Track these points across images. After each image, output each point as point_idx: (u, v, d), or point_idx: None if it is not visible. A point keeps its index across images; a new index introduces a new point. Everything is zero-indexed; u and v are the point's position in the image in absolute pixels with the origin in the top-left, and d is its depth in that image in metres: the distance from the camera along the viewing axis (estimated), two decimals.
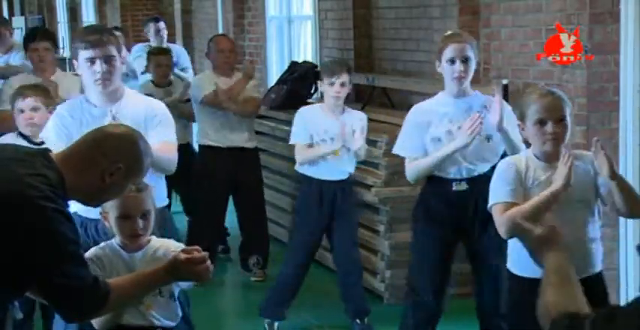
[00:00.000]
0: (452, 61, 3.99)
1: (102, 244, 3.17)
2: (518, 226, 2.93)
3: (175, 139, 3.89)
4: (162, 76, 6.74)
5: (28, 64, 6.05)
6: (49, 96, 4.49)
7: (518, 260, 3.39)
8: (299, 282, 5.06)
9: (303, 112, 5.12)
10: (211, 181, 6.00)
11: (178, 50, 8.37)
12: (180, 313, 3.17)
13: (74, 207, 3.59)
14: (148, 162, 2.63)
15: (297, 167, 5.09)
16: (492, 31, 5.82)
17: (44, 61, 5.65)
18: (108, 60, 3.64)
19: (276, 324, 5.08)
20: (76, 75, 4.90)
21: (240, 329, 5.26)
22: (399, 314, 4.40)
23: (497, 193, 3.30)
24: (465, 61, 3.98)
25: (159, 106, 3.89)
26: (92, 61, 3.62)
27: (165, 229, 3.46)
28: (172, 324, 3.14)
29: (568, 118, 3.29)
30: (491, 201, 3.32)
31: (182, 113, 6.41)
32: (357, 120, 4.99)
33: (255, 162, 6.28)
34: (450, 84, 4.06)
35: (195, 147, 6.53)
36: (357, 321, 5.08)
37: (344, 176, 5.01)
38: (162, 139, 3.74)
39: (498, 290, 4.02)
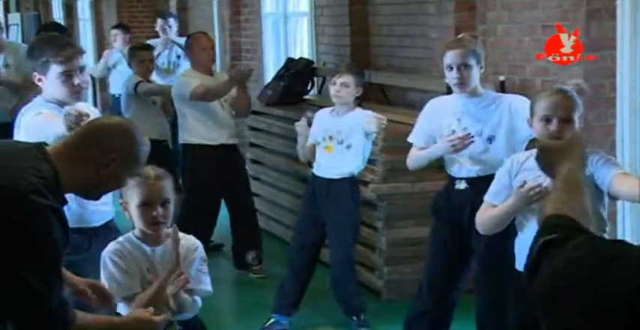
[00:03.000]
0: (450, 68, 4.00)
1: (120, 238, 3.20)
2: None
3: None
4: (145, 72, 6.75)
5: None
6: None
7: (521, 257, 3.40)
8: (303, 280, 5.06)
9: (318, 112, 5.17)
10: (206, 180, 5.97)
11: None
12: (199, 305, 3.20)
13: None
14: (143, 151, 2.59)
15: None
16: (488, 27, 5.83)
17: None
18: (82, 71, 3.70)
19: (271, 320, 5.09)
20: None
21: (239, 326, 5.26)
22: (397, 310, 4.41)
23: (488, 191, 3.44)
24: (462, 67, 3.97)
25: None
26: (69, 74, 3.64)
27: None
28: (190, 316, 3.18)
29: (575, 119, 3.28)
30: (485, 197, 3.42)
31: (166, 109, 6.51)
32: (363, 117, 4.96)
33: (241, 158, 6.33)
34: (454, 88, 4.08)
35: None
36: (354, 318, 5.09)
37: (336, 176, 4.95)
38: None
39: (498, 289, 4.01)
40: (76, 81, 3.64)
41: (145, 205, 3.09)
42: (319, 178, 5.01)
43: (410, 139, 4.26)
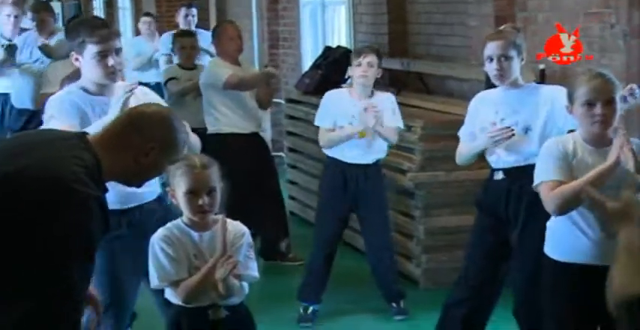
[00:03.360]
0: (490, 59, 3.97)
1: (168, 224, 3.24)
2: (587, 194, 2.66)
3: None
4: (186, 59, 6.77)
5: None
6: None
7: (555, 245, 3.38)
8: (328, 265, 5.08)
9: (329, 95, 5.14)
10: (242, 169, 5.98)
11: (207, 36, 8.39)
12: (246, 291, 3.24)
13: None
14: (182, 139, 2.61)
15: (323, 149, 5.12)
16: (529, 15, 5.77)
17: None
18: (118, 53, 3.70)
19: (311, 308, 5.11)
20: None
21: (275, 313, 5.28)
22: (436, 299, 4.40)
23: (545, 172, 3.30)
24: (502, 58, 3.94)
25: (149, 92, 3.91)
26: (104, 55, 3.65)
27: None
28: (237, 301, 3.22)
29: (617, 101, 3.27)
30: (538, 179, 3.31)
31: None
32: (387, 102, 4.99)
33: (267, 146, 6.34)
34: (493, 80, 4.05)
35: None
36: (394, 305, 5.10)
37: (369, 161, 4.99)
38: None
39: (532, 279, 4.00)
40: (110, 62, 3.65)
41: (192, 194, 3.13)
42: (351, 164, 4.99)
43: (459, 134, 4.24)
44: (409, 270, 5.65)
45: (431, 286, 5.44)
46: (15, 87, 6.83)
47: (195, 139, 3.79)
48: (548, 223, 3.41)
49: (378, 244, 5.09)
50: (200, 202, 3.12)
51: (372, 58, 4.89)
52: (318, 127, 5.16)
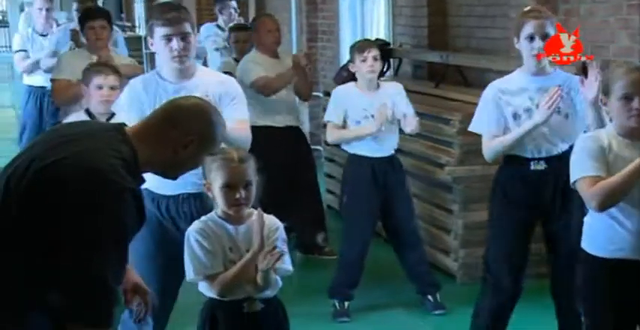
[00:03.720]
0: (531, 38, 3.89)
1: (202, 217, 3.24)
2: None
3: (248, 116, 3.91)
4: (239, 52, 6.77)
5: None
6: (121, 77, 4.54)
7: (593, 239, 3.33)
8: (362, 261, 5.05)
9: (338, 91, 5.19)
10: (278, 163, 5.97)
11: None
12: (280, 285, 3.24)
13: (146, 183, 3.65)
14: (220, 132, 2.61)
15: (343, 146, 5.19)
16: (572, 7, 5.68)
17: (101, 38, 5.71)
18: (184, 37, 3.66)
19: (346, 303, 5.08)
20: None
21: (311, 307, 5.26)
22: (473, 293, 4.35)
23: (582, 168, 3.23)
24: (545, 37, 3.88)
25: (232, 83, 3.90)
26: (169, 38, 3.64)
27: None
28: (272, 294, 3.22)
29: None
30: (575, 176, 3.24)
31: None
32: (395, 93, 5.03)
33: (305, 139, 6.33)
34: (529, 61, 3.96)
35: None
36: (429, 298, 5.06)
37: (392, 152, 5.06)
38: (238, 117, 3.76)
39: (575, 270, 3.96)
40: (175, 45, 3.63)
41: (228, 187, 3.14)
42: (376, 158, 5.00)
43: (477, 130, 4.10)
44: (446, 264, 5.60)
45: (468, 280, 5.38)
46: None
47: (240, 134, 3.75)
48: (586, 218, 3.35)
49: (408, 235, 5.07)
50: (237, 195, 3.12)
51: (376, 52, 5.03)
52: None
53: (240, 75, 5.93)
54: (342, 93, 5.14)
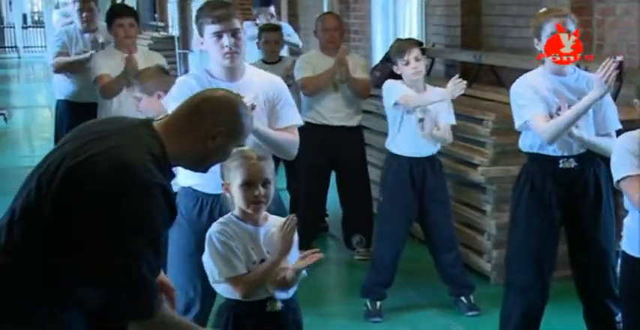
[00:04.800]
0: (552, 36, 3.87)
1: (220, 219, 3.24)
2: None
3: (299, 122, 3.82)
4: (270, 53, 6.78)
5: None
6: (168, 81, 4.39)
7: (632, 240, 3.30)
8: (396, 261, 5.03)
9: (389, 83, 5.05)
10: (315, 164, 6.01)
11: (288, 29, 8.40)
12: (296, 286, 3.24)
13: (190, 181, 3.67)
14: (248, 123, 2.62)
15: (385, 145, 5.12)
16: (607, 6, 5.63)
17: (129, 36, 5.73)
18: (234, 33, 3.60)
19: (378, 303, 5.07)
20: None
21: (342, 307, 5.27)
22: None
23: (625, 167, 3.23)
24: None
25: (280, 83, 3.82)
26: (219, 35, 3.59)
27: (276, 206, 3.48)
28: (288, 296, 3.22)
29: None
30: (618, 175, 3.23)
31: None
32: (438, 90, 4.93)
33: (359, 139, 6.29)
34: (551, 60, 3.92)
35: None
36: (463, 299, 5.04)
37: (433, 152, 5.00)
38: (291, 123, 3.74)
39: (607, 271, 3.92)
40: (225, 42, 3.59)
41: (247, 185, 3.13)
42: (415, 158, 4.97)
43: (526, 117, 3.91)
44: (480, 265, 5.57)
45: (502, 281, 5.33)
46: None
47: (286, 139, 3.70)
48: (625, 219, 3.33)
49: (444, 236, 5.04)
50: (256, 192, 3.12)
51: (417, 52, 4.87)
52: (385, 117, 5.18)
53: (295, 71, 6.11)
54: (394, 85, 4.99)
